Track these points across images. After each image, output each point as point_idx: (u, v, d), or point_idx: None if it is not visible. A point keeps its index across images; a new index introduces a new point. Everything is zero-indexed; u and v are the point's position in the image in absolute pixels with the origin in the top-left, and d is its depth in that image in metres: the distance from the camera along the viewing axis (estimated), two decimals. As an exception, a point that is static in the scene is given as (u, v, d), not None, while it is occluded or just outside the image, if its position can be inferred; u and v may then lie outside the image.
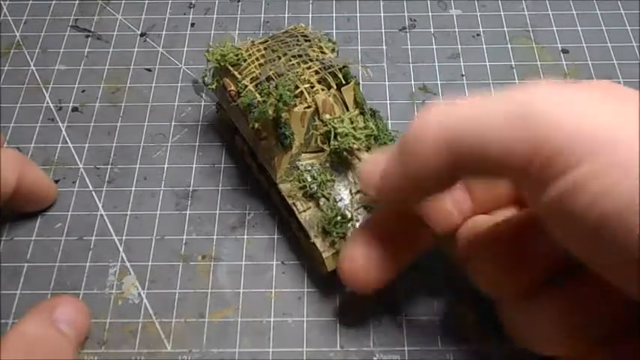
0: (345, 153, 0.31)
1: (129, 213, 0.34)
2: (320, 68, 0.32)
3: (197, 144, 0.37)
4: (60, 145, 0.37)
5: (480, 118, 0.21)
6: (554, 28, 0.43)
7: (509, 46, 0.42)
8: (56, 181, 0.36)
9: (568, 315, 0.23)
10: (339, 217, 0.30)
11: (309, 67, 0.32)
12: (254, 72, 0.32)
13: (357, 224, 0.30)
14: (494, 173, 0.22)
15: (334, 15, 0.44)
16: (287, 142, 0.31)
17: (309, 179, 0.31)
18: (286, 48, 0.33)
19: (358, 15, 0.44)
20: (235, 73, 0.33)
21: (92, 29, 0.43)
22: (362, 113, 0.33)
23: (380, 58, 0.41)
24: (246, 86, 0.32)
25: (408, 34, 0.43)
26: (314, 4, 0.44)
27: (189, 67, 0.41)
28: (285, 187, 0.32)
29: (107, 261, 0.33)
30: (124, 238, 0.34)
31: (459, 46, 0.42)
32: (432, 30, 0.43)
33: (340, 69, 0.32)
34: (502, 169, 0.21)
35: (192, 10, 0.44)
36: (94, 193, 0.35)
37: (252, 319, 0.31)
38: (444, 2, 0.44)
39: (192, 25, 0.43)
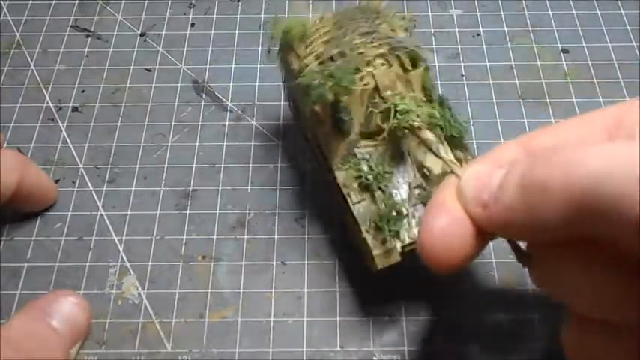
0: (406, 131, 0.28)
1: (129, 213, 0.34)
2: (389, 50, 0.30)
3: (197, 144, 0.37)
4: (60, 145, 0.37)
5: (615, 175, 0.18)
6: (554, 28, 0.43)
7: (509, 46, 0.42)
8: (56, 181, 0.36)
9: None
10: (393, 213, 0.28)
11: (375, 47, 0.29)
12: (318, 50, 0.30)
13: (414, 221, 0.28)
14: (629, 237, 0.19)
15: (334, 15, 0.44)
16: (345, 128, 0.29)
17: (366, 169, 0.29)
18: (355, 24, 0.31)
19: (358, 15, 0.44)
20: (299, 49, 0.31)
21: (92, 29, 0.43)
22: (429, 101, 0.30)
23: (380, 58, 0.41)
24: (307, 65, 0.30)
25: (407, 34, 0.43)
26: (314, 5, 0.44)
27: (189, 67, 0.41)
28: (340, 176, 0.29)
29: (107, 261, 0.33)
30: (124, 238, 0.34)
31: (459, 46, 0.42)
32: (432, 30, 0.43)
33: (409, 52, 0.30)
34: None
35: (192, 10, 0.44)
36: (94, 193, 0.35)
37: (252, 319, 0.31)
38: (444, 2, 0.44)
39: (192, 25, 0.43)
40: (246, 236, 0.34)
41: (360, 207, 0.29)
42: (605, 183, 0.18)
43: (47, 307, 0.28)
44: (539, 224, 0.20)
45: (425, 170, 0.29)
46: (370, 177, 0.29)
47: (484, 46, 0.42)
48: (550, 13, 0.44)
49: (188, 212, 0.34)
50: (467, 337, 0.30)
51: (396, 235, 0.28)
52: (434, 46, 0.42)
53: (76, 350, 0.29)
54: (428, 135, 0.28)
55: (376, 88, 0.29)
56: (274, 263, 0.33)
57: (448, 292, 0.31)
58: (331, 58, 0.29)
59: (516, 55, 0.41)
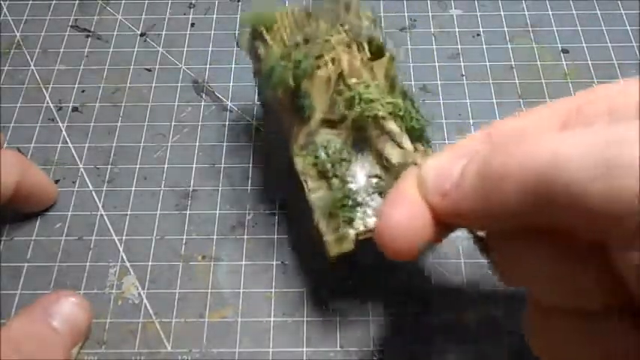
0: (369, 120, 0.28)
1: (129, 213, 0.35)
2: (353, 37, 0.30)
3: (197, 144, 0.37)
4: (60, 145, 0.37)
5: (569, 165, 0.18)
6: (554, 28, 0.43)
7: (509, 46, 0.42)
8: (56, 181, 0.36)
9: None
10: (348, 202, 0.27)
11: (340, 35, 0.30)
12: (284, 36, 0.30)
13: (369, 210, 0.27)
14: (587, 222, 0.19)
15: (334, 15, 0.44)
16: (305, 114, 0.29)
17: (324, 156, 0.28)
18: (321, 13, 0.31)
19: (358, 15, 0.44)
20: (267, 37, 0.31)
21: (92, 29, 0.43)
22: (393, 91, 0.30)
23: (380, 58, 0.41)
24: (272, 50, 0.30)
25: (408, 34, 0.43)
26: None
27: (189, 67, 0.41)
28: (298, 162, 0.29)
29: (107, 261, 0.33)
30: (124, 238, 0.34)
31: (459, 46, 0.42)
32: (432, 30, 0.43)
33: (370, 42, 0.30)
34: (599, 219, 0.18)
35: (192, 10, 0.44)
36: (94, 193, 0.35)
37: (252, 319, 0.31)
38: (444, 2, 0.44)
39: (192, 25, 0.43)
40: (246, 236, 0.34)
41: (316, 194, 0.28)
42: (554, 172, 0.18)
43: (48, 308, 0.28)
44: (498, 213, 0.20)
45: (384, 160, 0.28)
46: (327, 164, 0.28)
47: (484, 46, 0.42)
48: (550, 13, 0.44)
49: (188, 212, 0.34)
50: (467, 337, 0.30)
51: (350, 222, 0.27)
52: (434, 46, 0.42)
53: (77, 351, 0.29)
54: (391, 125, 0.28)
55: (341, 75, 0.29)
56: (274, 263, 0.33)
57: (449, 293, 0.31)
58: (296, 45, 0.29)
59: (516, 55, 0.41)
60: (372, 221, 0.27)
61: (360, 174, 0.28)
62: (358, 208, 0.27)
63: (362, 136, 0.29)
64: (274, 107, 0.32)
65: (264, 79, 0.30)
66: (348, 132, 0.29)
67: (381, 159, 0.28)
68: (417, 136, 0.29)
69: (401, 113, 0.29)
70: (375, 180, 0.28)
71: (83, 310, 0.29)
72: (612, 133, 0.18)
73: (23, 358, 0.26)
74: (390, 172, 0.27)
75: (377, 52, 0.30)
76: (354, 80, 0.29)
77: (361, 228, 0.27)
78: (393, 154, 0.28)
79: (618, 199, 0.17)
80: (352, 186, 0.28)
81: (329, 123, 0.29)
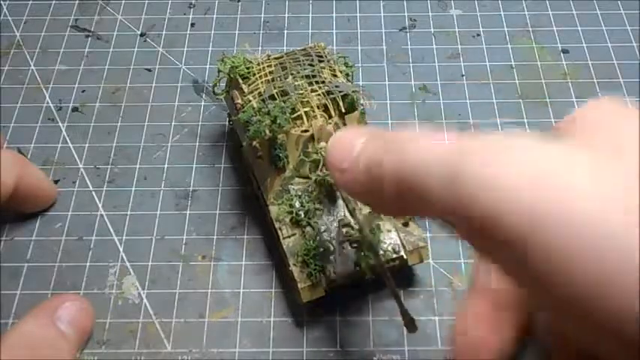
0: (329, 185, 0.30)
1: (129, 213, 0.34)
2: (324, 92, 0.31)
3: (197, 144, 0.37)
4: (60, 145, 0.37)
5: (421, 171, 0.19)
6: (554, 28, 0.43)
7: (509, 46, 0.42)
8: (56, 181, 0.36)
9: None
10: (320, 249, 0.29)
11: (314, 90, 0.31)
12: (260, 87, 0.31)
13: (339, 259, 0.29)
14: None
15: (334, 15, 0.44)
16: (280, 164, 0.30)
17: (298, 205, 0.30)
18: (298, 66, 0.32)
19: (358, 15, 0.44)
20: (243, 86, 0.32)
21: (92, 29, 0.43)
22: None
23: (380, 58, 0.41)
24: (249, 101, 0.31)
25: (408, 34, 0.43)
26: (314, 4, 0.44)
27: (189, 67, 0.41)
28: (273, 210, 0.31)
29: (107, 261, 0.33)
30: (124, 238, 0.34)
31: (459, 46, 0.42)
32: (432, 30, 0.43)
33: (344, 97, 0.31)
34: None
35: (192, 10, 0.44)
36: (94, 193, 0.35)
37: (252, 319, 0.31)
38: (444, 2, 0.44)
39: (192, 25, 0.43)
40: (246, 236, 0.34)
41: (290, 241, 0.30)
42: (418, 174, 0.19)
43: (56, 312, 0.29)
44: (380, 199, 0.21)
45: (353, 210, 0.29)
46: (301, 213, 0.30)
47: (484, 46, 0.42)
48: (550, 13, 0.44)
49: (188, 212, 0.34)
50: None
51: (322, 270, 0.29)
52: (434, 46, 0.42)
53: (79, 352, 0.29)
54: (345, 194, 0.29)
55: (312, 137, 0.30)
56: (274, 263, 0.33)
57: (450, 294, 0.31)
58: (272, 97, 0.30)
59: (516, 55, 0.41)
60: (341, 269, 0.29)
61: (333, 223, 0.30)
62: (330, 257, 0.29)
63: (328, 190, 0.30)
64: (247, 154, 0.33)
65: (241, 130, 0.32)
66: (321, 185, 0.30)
67: (353, 210, 0.29)
68: None
69: None
70: (345, 229, 0.29)
71: (87, 313, 0.30)
72: (459, 144, 0.18)
73: None
74: (360, 220, 0.28)
75: (349, 106, 0.31)
76: (322, 144, 0.30)
77: (332, 275, 0.29)
78: (361, 205, 0.29)
79: (462, 210, 0.17)
80: (325, 235, 0.29)
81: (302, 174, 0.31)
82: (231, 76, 0.33)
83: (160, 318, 0.31)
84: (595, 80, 0.40)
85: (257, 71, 0.32)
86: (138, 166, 0.36)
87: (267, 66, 0.32)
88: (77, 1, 0.45)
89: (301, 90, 0.31)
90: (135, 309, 0.31)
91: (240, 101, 0.32)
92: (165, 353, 0.30)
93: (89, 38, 0.43)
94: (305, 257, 0.29)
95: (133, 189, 0.35)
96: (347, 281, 0.29)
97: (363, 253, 0.28)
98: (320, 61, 0.32)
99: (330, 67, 0.32)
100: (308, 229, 0.30)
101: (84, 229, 0.34)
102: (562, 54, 0.41)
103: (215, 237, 0.34)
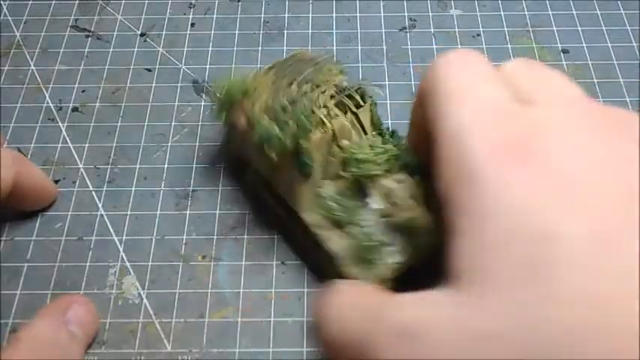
0: (365, 179, 0.29)
1: (129, 213, 0.35)
2: (335, 92, 0.31)
3: (197, 144, 0.37)
4: (60, 145, 0.37)
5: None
6: (554, 28, 0.43)
7: (509, 46, 0.42)
8: (56, 181, 0.36)
9: None
10: (373, 242, 0.28)
11: (323, 92, 0.30)
12: (265, 101, 0.30)
13: (391, 248, 0.28)
14: None
15: (334, 15, 0.44)
16: (307, 171, 0.29)
17: (335, 206, 0.29)
18: (295, 74, 0.31)
19: (358, 15, 0.44)
20: (245, 103, 0.31)
21: (92, 29, 0.43)
22: (380, 134, 0.31)
23: (380, 58, 0.41)
24: (257, 119, 0.30)
25: (408, 34, 0.43)
26: (314, 4, 0.44)
27: (189, 67, 0.41)
28: (310, 218, 0.30)
29: (107, 261, 0.33)
30: (124, 238, 0.34)
31: (459, 46, 0.42)
32: (432, 30, 0.43)
33: (356, 90, 0.31)
34: None
35: (192, 10, 0.44)
36: (94, 193, 0.35)
37: (252, 319, 0.31)
38: (444, 2, 0.44)
39: (192, 25, 0.43)
40: (246, 236, 0.34)
41: (337, 244, 0.29)
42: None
43: (64, 314, 0.29)
44: None
45: (392, 198, 0.29)
46: (340, 213, 0.29)
47: (484, 46, 0.42)
48: (550, 13, 0.44)
49: (188, 212, 0.34)
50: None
51: (383, 262, 0.28)
52: (434, 46, 0.42)
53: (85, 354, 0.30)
54: (389, 184, 0.29)
55: (334, 137, 0.30)
56: (274, 263, 0.33)
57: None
58: (283, 107, 0.30)
59: (516, 55, 0.41)
60: (398, 256, 0.28)
61: (372, 217, 0.29)
62: (382, 249, 0.28)
63: (358, 186, 0.29)
64: (263, 173, 0.32)
65: (256, 150, 0.30)
66: (349, 183, 0.30)
67: (389, 197, 0.29)
68: (413, 167, 0.29)
69: (396, 153, 0.29)
70: (385, 219, 0.29)
71: (93, 314, 0.30)
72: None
73: None
74: (399, 207, 0.28)
75: (360, 98, 0.31)
76: (345, 142, 0.30)
77: (394, 263, 0.28)
78: (398, 192, 0.28)
79: None
80: (371, 229, 0.28)
81: (330, 176, 0.30)
82: (228, 98, 0.32)
83: (159, 318, 0.31)
84: (595, 80, 0.40)
85: (255, 86, 0.31)
86: (138, 166, 0.36)
87: (265, 78, 0.32)
88: (77, 1, 0.45)
89: (309, 94, 0.30)
90: (135, 309, 0.31)
91: (243, 121, 0.31)
92: (165, 353, 0.30)
93: (89, 38, 0.43)
94: (362, 255, 0.28)
95: (133, 189, 0.35)
96: (407, 266, 0.28)
97: (412, 236, 0.28)
98: (315, 64, 0.32)
99: (324, 67, 0.32)
100: (350, 227, 0.29)
101: (84, 229, 0.34)
102: (562, 54, 0.41)
103: (215, 237, 0.34)
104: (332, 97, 0.31)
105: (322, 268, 0.31)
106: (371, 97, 0.32)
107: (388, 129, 0.32)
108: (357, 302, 0.23)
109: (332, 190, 0.30)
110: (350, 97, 0.31)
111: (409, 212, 0.28)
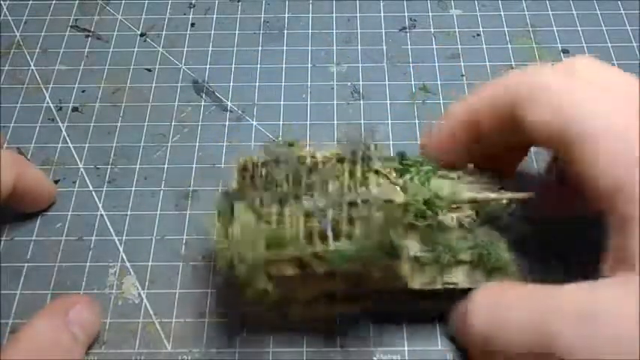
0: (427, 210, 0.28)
1: (129, 213, 0.35)
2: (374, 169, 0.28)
3: (197, 144, 0.37)
4: (60, 145, 0.37)
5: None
6: (554, 28, 0.43)
7: (509, 46, 0.42)
8: (56, 181, 0.36)
9: None
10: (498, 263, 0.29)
11: (354, 203, 0.27)
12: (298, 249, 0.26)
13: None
14: None
15: (334, 15, 0.44)
16: (401, 251, 0.27)
17: (441, 248, 0.28)
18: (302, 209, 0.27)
19: (358, 15, 0.44)
20: (282, 255, 0.26)
21: (92, 29, 0.43)
22: (401, 163, 0.30)
23: (380, 58, 0.41)
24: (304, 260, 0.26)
25: (408, 34, 0.43)
26: (314, 4, 0.44)
27: (189, 67, 0.41)
28: (421, 281, 0.29)
29: (107, 261, 0.33)
30: (124, 238, 0.34)
31: (459, 46, 0.42)
32: (432, 30, 0.43)
33: (362, 155, 0.28)
34: None
35: (192, 10, 0.44)
36: (94, 193, 0.35)
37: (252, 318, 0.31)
38: (444, 2, 0.44)
39: (192, 25, 0.43)
40: (246, 236, 0.34)
41: (460, 277, 0.29)
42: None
43: (67, 314, 0.29)
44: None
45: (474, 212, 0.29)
46: (443, 253, 0.28)
47: (484, 46, 0.42)
48: (550, 13, 0.44)
49: (188, 212, 0.34)
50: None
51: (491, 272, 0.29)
52: (434, 46, 0.42)
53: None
54: (448, 221, 0.29)
55: (400, 206, 0.28)
56: (274, 263, 0.33)
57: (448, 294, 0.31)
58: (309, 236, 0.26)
59: (516, 55, 0.41)
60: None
61: (462, 233, 0.29)
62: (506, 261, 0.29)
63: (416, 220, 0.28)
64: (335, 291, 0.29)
65: (338, 262, 0.26)
66: (422, 229, 0.28)
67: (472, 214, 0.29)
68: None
69: (425, 168, 0.30)
70: (483, 229, 0.29)
71: (96, 315, 0.30)
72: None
73: None
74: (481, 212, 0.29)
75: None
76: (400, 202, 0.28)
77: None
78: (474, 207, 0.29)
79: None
80: (464, 256, 0.29)
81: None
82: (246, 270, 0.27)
83: (159, 318, 0.31)
84: (595, 80, 0.40)
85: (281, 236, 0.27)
86: (138, 166, 0.36)
87: (281, 221, 0.27)
88: (77, 1, 0.45)
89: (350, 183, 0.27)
90: (135, 309, 0.31)
91: (292, 272, 0.27)
92: (165, 353, 0.30)
93: (89, 38, 0.43)
94: (487, 269, 0.29)
95: (133, 189, 0.35)
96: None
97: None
98: (310, 172, 0.28)
99: (324, 173, 0.28)
100: (459, 256, 0.29)
101: (84, 229, 0.34)
102: (562, 54, 0.41)
103: (215, 237, 0.34)
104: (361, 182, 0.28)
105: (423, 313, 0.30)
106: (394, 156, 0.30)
107: (399, 154, 0.30)
108: (522, 296, 0.25)
109: (416, 247, 0.28)
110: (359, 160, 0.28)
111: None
